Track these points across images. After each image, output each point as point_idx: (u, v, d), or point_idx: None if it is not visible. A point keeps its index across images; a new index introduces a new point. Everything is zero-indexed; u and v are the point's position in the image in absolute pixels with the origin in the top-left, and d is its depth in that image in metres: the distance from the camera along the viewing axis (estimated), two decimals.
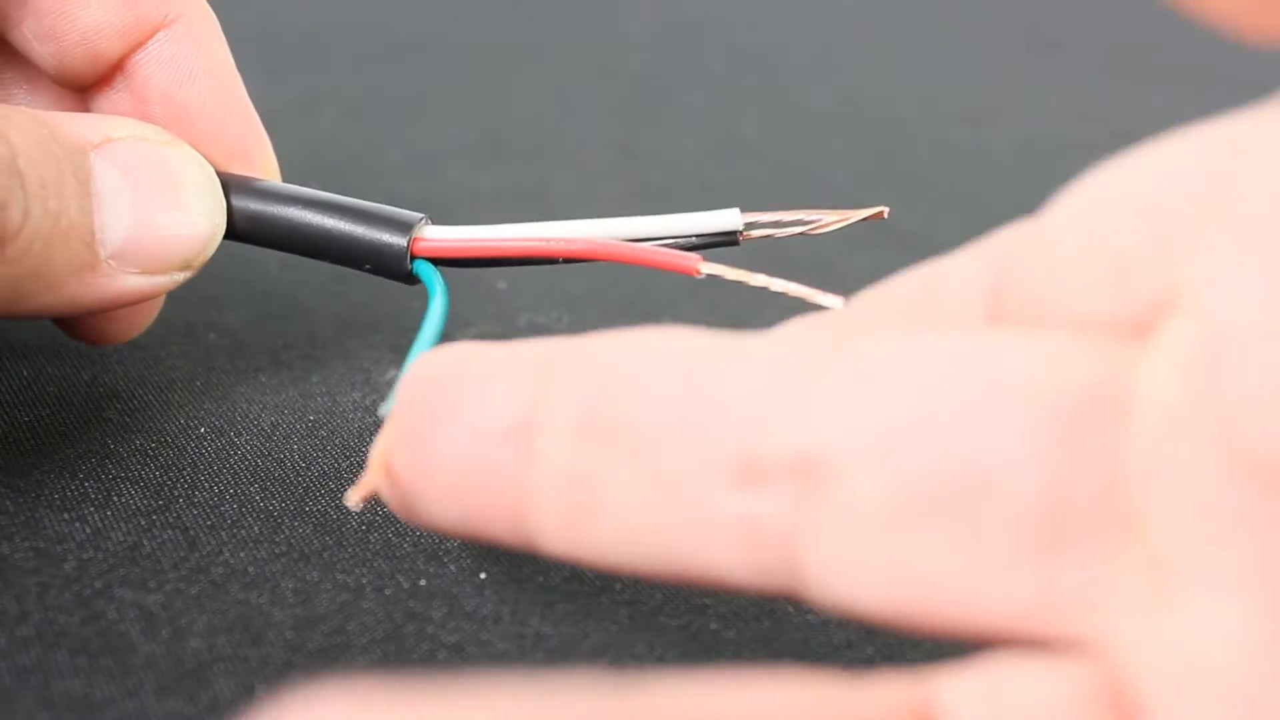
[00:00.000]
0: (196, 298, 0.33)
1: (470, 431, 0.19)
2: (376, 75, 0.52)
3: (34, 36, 0.26)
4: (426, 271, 0.26)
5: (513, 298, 0.35)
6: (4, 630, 0.22)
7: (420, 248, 0.26)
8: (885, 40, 0.64)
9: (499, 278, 0.36)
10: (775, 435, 0.17)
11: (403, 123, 0.48)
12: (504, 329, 0.33)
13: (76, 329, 0.28)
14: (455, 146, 0.47)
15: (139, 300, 0.26)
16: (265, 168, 0.28)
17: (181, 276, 0.26)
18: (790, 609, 0.24)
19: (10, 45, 0.27)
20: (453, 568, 0.25)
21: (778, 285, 0.24)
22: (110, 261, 0.25)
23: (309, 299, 0.34)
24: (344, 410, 0.29)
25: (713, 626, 0.24)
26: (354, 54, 0.54)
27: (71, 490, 0.25)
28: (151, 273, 0.25)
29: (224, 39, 0.28)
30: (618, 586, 0.25)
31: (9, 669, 0.21)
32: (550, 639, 0.23)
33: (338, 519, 0.26)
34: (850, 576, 0.17)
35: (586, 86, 0.54)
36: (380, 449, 0.21)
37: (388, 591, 0.24)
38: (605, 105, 0.52)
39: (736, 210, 0.26)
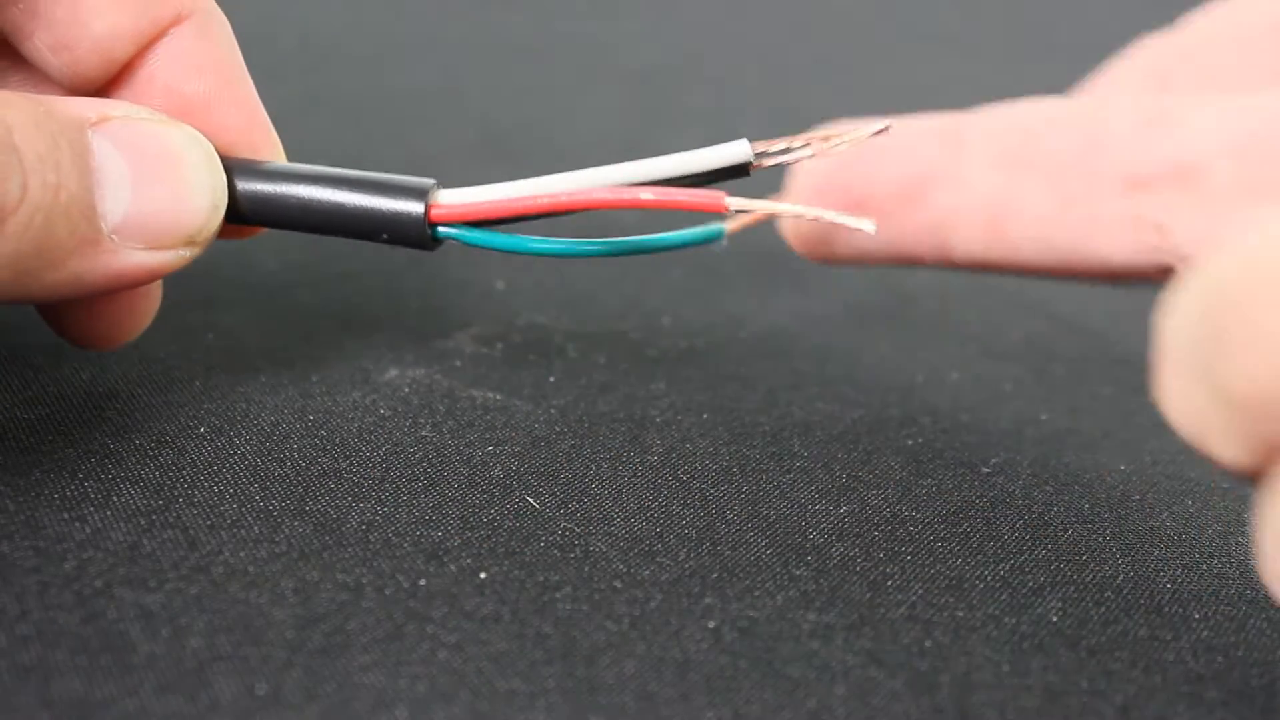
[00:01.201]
0: (195, 298, 0.33)
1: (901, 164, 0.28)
2: (376, 75, 0.52)
3: (47, 48, 0.26)
4: (461, 235, 0.26)
5: (512, 298, 0.35)
6: (4, 629, 0.22)
7: (438, 214, 0.26)
8: (885, 40, 0.64)
9: (498, 278, 0.36)
10: (1157, 152, 0.24)
11: (403, 123, 0.48)
12: (504, 329, 0.33)
13: (76, 329, 0.28)
14: (455, 146, 0.47)
15: (146, 279, 0.26)
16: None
17: (188, 254, 0.26)
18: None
19: (18, 53, 0.27)
20: (453, 568, 0.25)
21: (811, 212, 0.25)
22: (113, 236, 0.25)
23: (309, 299, 0.34)
24: (344, 410, 0.29)
25: (710, 624, 0.24)
26: (354, 54, 0.54)
27: (71, 490, 0.25)
28: (156, 248, 0.25)
29: (233, 36, 0.28)
30: (617, 585, 0.25)
31: (9, 668, 0.21)
32: (550, 639, 0.23)
33: (338, 519, 0.26)
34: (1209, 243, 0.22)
35: (586, 86, 0.54)
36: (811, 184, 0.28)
37: (388, 591, 0.24)
38: (605, 105, 0.52)
39: (745, 141, 0.26)
